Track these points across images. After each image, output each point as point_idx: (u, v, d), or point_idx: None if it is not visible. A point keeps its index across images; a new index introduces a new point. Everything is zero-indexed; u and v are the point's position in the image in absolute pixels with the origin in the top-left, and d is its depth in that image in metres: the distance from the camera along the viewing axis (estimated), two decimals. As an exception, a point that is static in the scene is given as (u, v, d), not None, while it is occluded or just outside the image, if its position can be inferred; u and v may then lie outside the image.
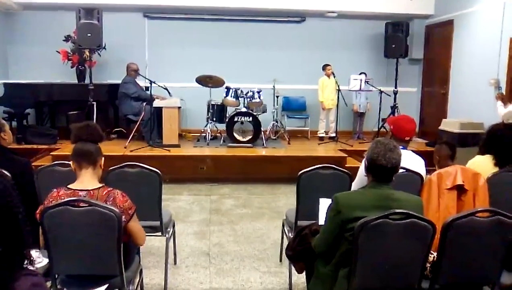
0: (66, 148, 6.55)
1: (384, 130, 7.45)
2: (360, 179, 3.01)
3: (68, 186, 2.44)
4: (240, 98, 7.46)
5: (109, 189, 2.47)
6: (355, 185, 3.13)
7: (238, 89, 7.46)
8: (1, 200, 1.34)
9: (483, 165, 3.30)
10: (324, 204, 2.64)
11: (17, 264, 1.32)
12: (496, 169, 3.27)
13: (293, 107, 8.84)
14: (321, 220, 2.63)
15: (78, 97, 7.58)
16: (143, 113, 7.12)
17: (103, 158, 2.54)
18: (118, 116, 8.11)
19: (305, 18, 8.91)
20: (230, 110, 7.61)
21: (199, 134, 7.92)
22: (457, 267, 2.41)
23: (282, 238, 3.88)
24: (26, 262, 1.37)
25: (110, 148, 6.62)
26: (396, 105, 8.16)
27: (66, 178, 2.60)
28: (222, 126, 7.56)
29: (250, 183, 6.52)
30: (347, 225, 2.21)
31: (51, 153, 6.46)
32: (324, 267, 2.41)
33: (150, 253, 4.04)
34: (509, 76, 6.45)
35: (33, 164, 4.17)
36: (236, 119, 7.21)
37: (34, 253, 2.59)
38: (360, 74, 8.09)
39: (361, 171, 2.98)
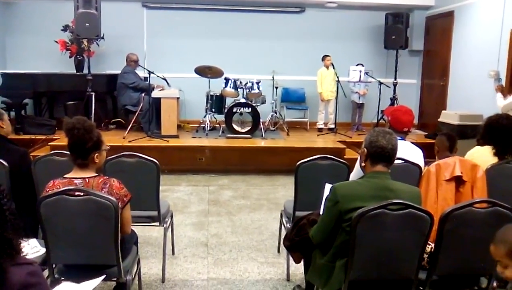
0: (64, 138, 6.52)
1: (383, 121, 7.43)
2: (358, 170, 3.00)
3: (64, 176, 2.43)
4: (239, 89, 7.43)
5: (105, 177, 2.46)
6: (353, 177, 3.13)
7: (237, 80, 7.43)
8: None
9: (482, 156, 3.30)
10: (329, 188, 2.61)
11: (5, 254, 1.31)
12: (495, 160, 3.27)
13: (292, 98, 8.82)
14: (322, 209, 2.62)
15: (76, 88, 7.57)
16: (141, 104, 7.10)
17: (97, 154, 2.45)
18: (116, 107, 8.09)
19: (304, 9, 8.86)
20: (229, 101, 7.59)
21: (198, 125, 7.91)
22: (455, 258, 2.41)
23: (280, 228, 3.88)
24: (18, 251, 1.35)
25: (109, 138, 6.56)
26: (396, 97, 8.15)
27: (64, 168, 2.60)
28: (221, 117, 7.55)
29: (248, 174, 6.52)
30: (345, 215, 2.21)
31: (49, 144, 6.45)
32: (322, 257, 2.41)
33: (148, 243, 4.04)
34: (509, 68, 6.43)
35: (31, 154, 4.17)
36: (235, 110, 7.19)
37: (33, 242, 2.60)
38: (358, 65, 8.05)
39: (359, 163, 2.98)
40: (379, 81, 7.92)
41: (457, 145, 3.29)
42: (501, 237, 1.77)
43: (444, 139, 3.27)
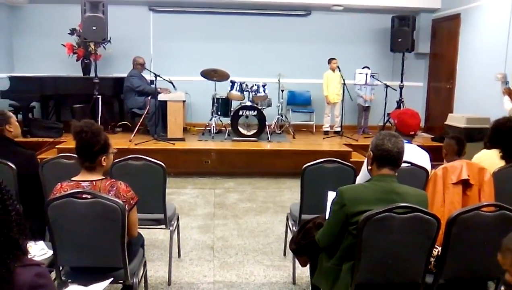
0: (71, 141, 6.55)
1: (390, 124, 7.41)
2: (365, 174, 2.98)
3: (72, 178, 2.45)
4: (245, 92, 7.44)
5: (112, 180, 2.47)
6: (359, 180, 3.12)
7: (243, 83, 7.44)
8: None
9: (489, 159, 3.28)
10: (332, 197, 2.62)
11: (12, 255, 1.32)
12: (502, 163, 3.25)
13: (298, 101, 8.82)
14: (328, 213, 2.62)
15: (83, 91, 7.60)
16: (148, 107, 7.12)
17: (104, 157, 2.46)
18: (123, 110, 8.13)
19: (310, 12, 8.87)
20: (235, 104, 7.60)
21: (203, 128, 7.92)
22: (462, 262, 2.40)
23: (286, 232, 3.88)
24: (24, 251, 1.36)
25: (115, 141, 6.53)
26: (402, 100, 8.13)
27: (71, 171, 2.61)
28: (227, 120, 7.56)
29: (254, 177, 6.52)
30: (352, 218, 2.20)
31: (57, 146, 6.48)
32: (328, 261, 2.41)
33: (154, 246, 4.05)
34: (516, 71, 6.40)
35: (38, 157, 4.19)
36: (241, 113, 7.20)
37: (40, 244, 2.62)
38: (364, 68, 8.05)
39: (365, 166, 2.97)
40: (385, 84, 7.90)
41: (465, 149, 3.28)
42: (507, 246, 1.76)
43: (453, 143, 3.25)
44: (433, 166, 3.20)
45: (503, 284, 2.49)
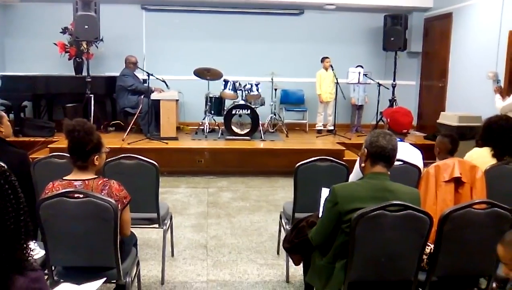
0: (63, 140, 6.53)
1: (382, 123, 7.44)
2: (357, 172, 2.99)
3: (64, 178, 2.43)
4: (238, 91, 7.44)
5: (104, 179, 2.46)
6: (352, 178, 3.13)
7: (236, 82, 7.44)
8: None
9: (481, 157, 3.30)
10: (326, 194, 2.63)
11: (12, 262, 1.31)
12: (494, 161, 3.28)
13: (291, 100, 8.83)
14: (321, 211, 2.63)
15: (75, 90, 7.56)
16: (140, 106, 7.10)
17: (96, 156, 2.45)
18: (115, 109, 8.08)
19: (303, 11, 8.88)
20: (228, 103, 7.59)
21: (197, 127, 7.91)
22: (454, 259, 2.41)
23: (280, 230, 3.88)
24: (24, 258, 1.36)
25: (108, 140, 6.55)
26: (395, 98, 8.16)
27: (63, 170, 2.59)
28: (220, 119, 7.55)
29: (248, 176, 6.52)
30: (344, 216, 2.21)
31: (49, 146, 6.45)
32: (321, 259, 2.41)
33: (148, 245, 4.04)
34: (508, 69, 6.44)
35: (30, 156, 4.16)
36: (234, 112, 7.19)
37: (32, 244, 2.59)
38: (357, 66, 8.07)
39: (358, 165, 2.98)
40: (378, 83, 7.92)
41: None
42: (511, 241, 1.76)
43: (447, 141, 3.24)
44: (425, 164, 3.21)
45: (494, 280, 2.51)
